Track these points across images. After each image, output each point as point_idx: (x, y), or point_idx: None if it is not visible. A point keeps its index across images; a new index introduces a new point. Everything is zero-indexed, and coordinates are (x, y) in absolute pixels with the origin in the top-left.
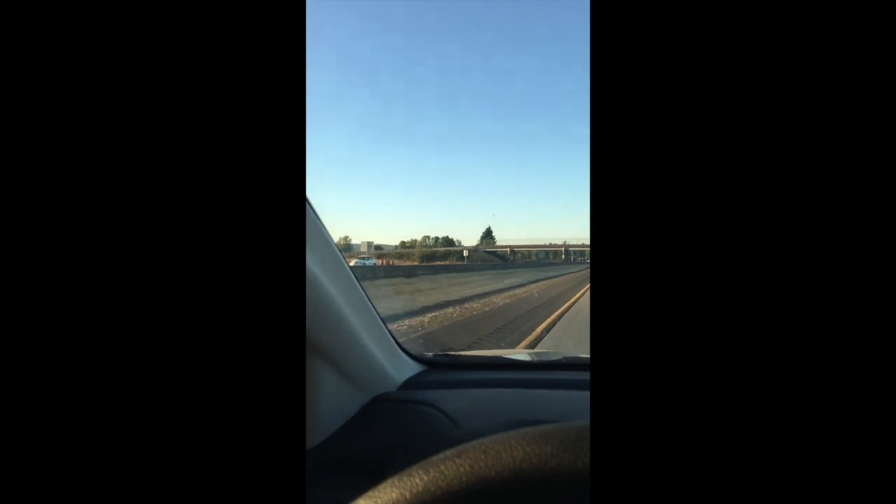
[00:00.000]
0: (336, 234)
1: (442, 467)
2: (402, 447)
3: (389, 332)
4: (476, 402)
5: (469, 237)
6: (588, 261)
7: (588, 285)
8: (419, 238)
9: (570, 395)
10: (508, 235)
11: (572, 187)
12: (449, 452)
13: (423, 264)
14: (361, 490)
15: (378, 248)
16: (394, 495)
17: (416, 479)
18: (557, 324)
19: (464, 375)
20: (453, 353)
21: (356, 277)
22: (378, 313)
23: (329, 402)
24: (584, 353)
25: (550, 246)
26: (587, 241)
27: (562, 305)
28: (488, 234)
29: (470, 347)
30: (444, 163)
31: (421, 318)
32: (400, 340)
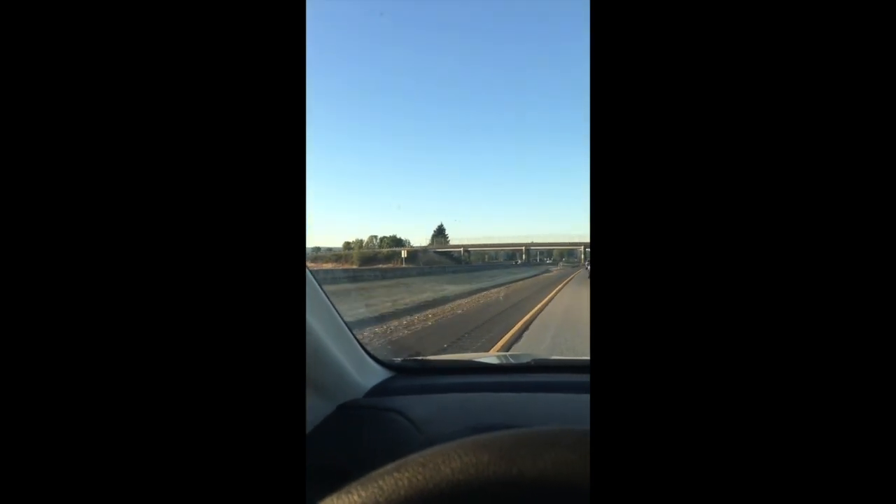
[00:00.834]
0: None
1: (381, 482)
2: (367, 455)
3: (356, 338)
4: (442, 407)
5: (422, 236)
6: (554, 261)
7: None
8: (365, 238)
9: (537, 397)
10: (465, 234)
11: (541, 184)
12: (389, 467)
13: (359, 268)
14: (322, 499)
15: (316, 249)
16: None
17: (354, 496)
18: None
19: (433, 380)
20: (422, 357)
21: (318, 283)
22: (343, 319)
23: None
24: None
25: (511, 245)
26: (554, 240)
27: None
28: (440, 233)
29: (443, 352)
30: (399, 157)
31: None
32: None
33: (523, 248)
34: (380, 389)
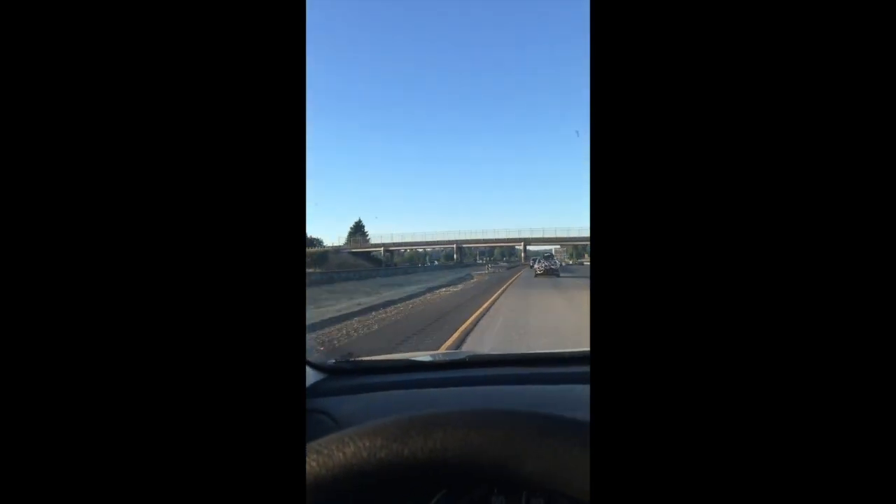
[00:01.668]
0: None
1: None
2: None
3: None
4: (369, 405)
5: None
6: (493, 260)
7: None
8: None
9: (471, 390)
10: (388, 231)
11: (481, 176)
12: None
13: None
14: None
15: None
16: None
17: None
18: None
19: (364, 380)
20: (355, 359)
21: None
22: None
23: None
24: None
25: (442, 243)
26: (493, 236)
27: None
28: (358, 230)
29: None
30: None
31: None
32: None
33: (454, 245)
34: (310, 391)
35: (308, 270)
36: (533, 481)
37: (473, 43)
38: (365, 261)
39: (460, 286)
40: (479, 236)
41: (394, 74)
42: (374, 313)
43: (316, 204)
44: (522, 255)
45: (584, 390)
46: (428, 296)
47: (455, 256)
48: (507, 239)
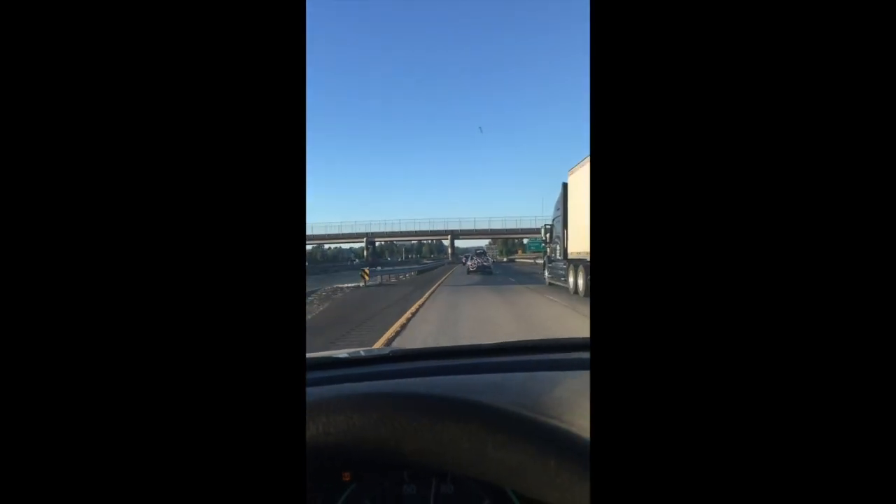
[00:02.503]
0: None
1: None
2: None
3: None
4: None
5: None
6: (414, 258)
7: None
8: None
9: (388, 384)
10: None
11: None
12: None
13: None
14: None
15: None
16: None
17: None
18: None
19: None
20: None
21: None
22: None
23: None
24: None
25: (348, 237)
26: (415, 227)
27: None
28: None
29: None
30: None
31: None
32: None
33: (364, 239)
34: None
35: None
36: (414, 460)
37: (390, 18)
38: None
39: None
40: (397, 228)
41: (310, 54)
42: None
43: None
44: (450, 250)
45: (522, 377)
46: None
47: (365, 255)
48: (432, 232)
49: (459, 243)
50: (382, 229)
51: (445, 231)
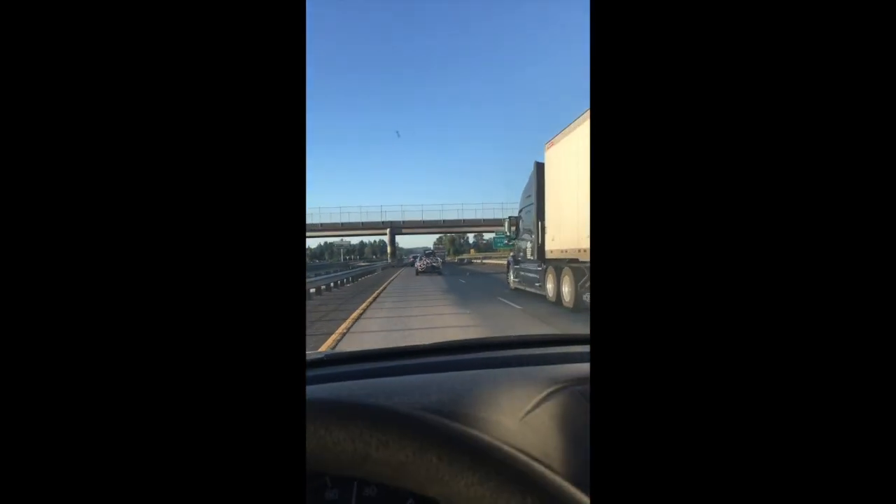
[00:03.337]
0: None
1: None
2: None
3: None
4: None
5: None
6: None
7: None
8: None
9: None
10: None
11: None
12: None
13: None
14: None
15: None
16: None
17: None
18: None
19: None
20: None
21: None
22: None
23: None
24: None
25: None
26: (343, 219)
27: None
28: None
29: None
30: None
31: None
32: None
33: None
34: None
35: None
36: (310, 467)
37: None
38: None
39: None
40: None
41: None
42: None
43: None
44: (389, 249)
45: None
46: None
47: None
48: (367, 225)
49: (403, 241)
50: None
51: (381, 223)
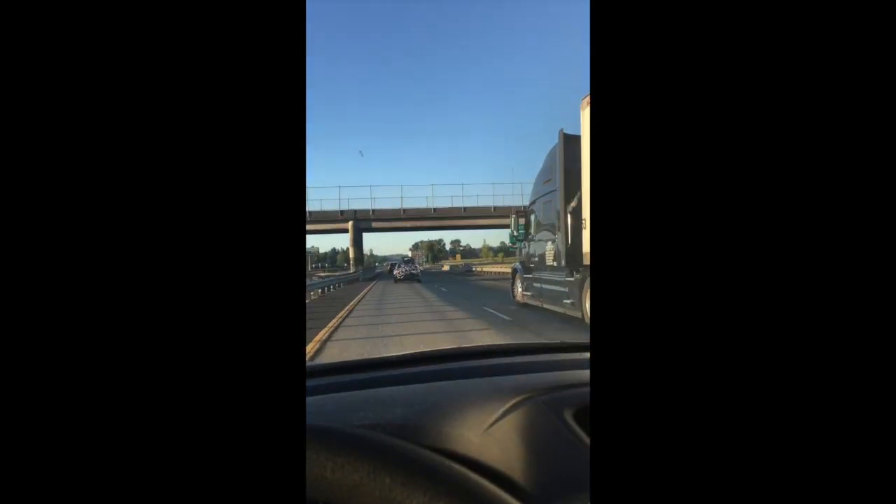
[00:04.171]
0: None
1: None
2: None
3: None
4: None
5: None
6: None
7: None
8: None
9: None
10: None
11: None
12: None
13: None
14: None
15: None
16: None
17: None
18: None
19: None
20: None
21: None
22: None
23: None
24: None
25: None
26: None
27: None
28: None
29: None
30: None
31: None
32: None
33: None
34: None
35: None
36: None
37: None
38: None
39: None
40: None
41: None
42: None
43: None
44: (351, 253)
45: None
46: None
47: None
48: (322, 215)
49: (374, 243)
50: None
51: (338, 215)
